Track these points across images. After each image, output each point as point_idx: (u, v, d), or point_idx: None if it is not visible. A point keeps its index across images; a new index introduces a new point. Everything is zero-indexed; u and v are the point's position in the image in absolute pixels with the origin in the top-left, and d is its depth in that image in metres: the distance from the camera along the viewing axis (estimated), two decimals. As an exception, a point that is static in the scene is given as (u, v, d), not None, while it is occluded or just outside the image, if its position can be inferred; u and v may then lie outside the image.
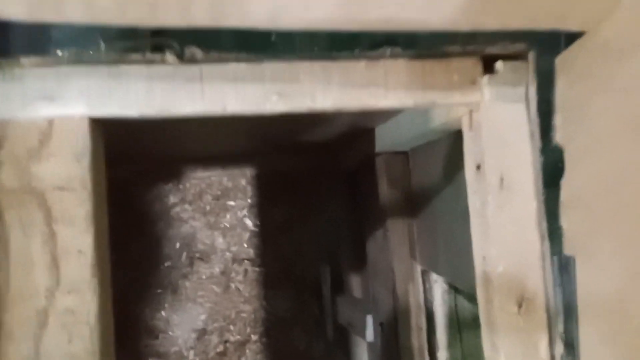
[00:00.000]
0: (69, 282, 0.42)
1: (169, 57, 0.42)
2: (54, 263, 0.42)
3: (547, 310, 0.45)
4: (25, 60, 0.42)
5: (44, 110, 0.42)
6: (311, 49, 0.42)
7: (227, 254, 1.42)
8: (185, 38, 0.42)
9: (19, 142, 0.42)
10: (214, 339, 1.39)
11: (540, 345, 0.45)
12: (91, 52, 0.40)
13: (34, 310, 0.42)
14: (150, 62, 0.42)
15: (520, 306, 0.45)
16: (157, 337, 1.39)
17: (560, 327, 0.44)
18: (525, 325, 0.45)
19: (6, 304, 0.42)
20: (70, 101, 0.42)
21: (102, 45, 0.40)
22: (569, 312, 0.43)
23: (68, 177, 0.42)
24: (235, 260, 1.42)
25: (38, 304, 0.42)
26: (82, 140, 0.42)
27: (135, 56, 0.42)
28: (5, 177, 0.42)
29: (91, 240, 0.42)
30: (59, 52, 0.43)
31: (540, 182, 0.45)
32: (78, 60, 0.42)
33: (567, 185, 0.43)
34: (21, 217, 0.42)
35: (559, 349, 0.44)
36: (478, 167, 0.47)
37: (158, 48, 0.41)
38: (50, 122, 0.42)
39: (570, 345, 0.43)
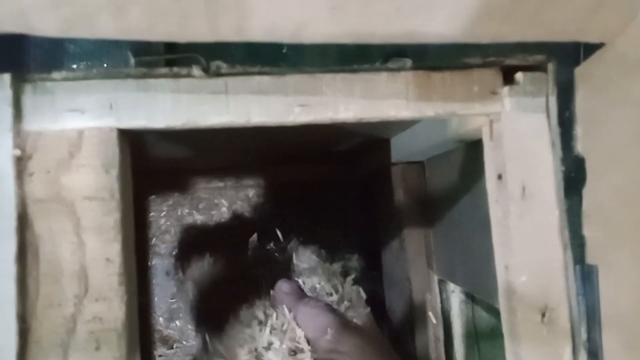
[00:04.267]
0: (97, 290, 0.43)
1: (195, 70, 0.43)
2: (83, 271, 0.43)
3: (571, 319, 0.45)
4: (56, 74, 0.44)
5: (74, 122, 0.43)
6: (322, 60, 0.43)
7: (240, 264, 1.42)
8: (196, 51, 0.43)
9: (49, 153, 0.43)
10: (229, 349, 1.39)
11: (563, 354, 0.45)
12: (120, 67, 0.42)
13: (62, 318, 0.43)
14: (177, 75, 0.44)
15: (543, 315, 0.45)
16: (171, 347, 1.39)
17: (583, 336, 0.44)
18: (549, 334, 0.45)
19: (35, 311, 0.43)
20: (100, 113, 0.43)
21: (131, 59, 0.41)
22: (592, 321, 0.43)
23: (97, 187, 0.43)
24: (249, 270, 1.42)
25: (66, 311, 0.43)
26: (111, 151, 0.43)
27: (163, 70, 0.43)
28: (35, 188, 0.43)
29: (119, 249, 0.43)
30: (75, 66, 0.45)
31: (562, 191, 0.45)
32: (107, 74, 0.43)
33: (589, 195, 0.44)
34: (51, 226, 0.43)
35: (583, 358, 0.44)
36: (499, 177, 0.47)
37: (184, 62, 0.43)
38: (80, 134, 0.43)
39: (594, 355, 0.43)
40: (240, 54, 0.49)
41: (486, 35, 0.38)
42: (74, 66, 0.57)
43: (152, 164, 1.10)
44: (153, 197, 1.37)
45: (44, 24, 0.35)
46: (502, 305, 0.48)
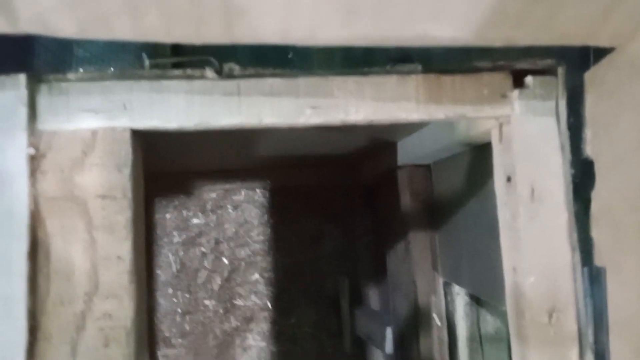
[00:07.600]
0: (107, 288, 0.43)
1: (208, 72, 0.44)
2: (94, 269, 0.43)
3: (578, 321, 0.45)
4: (71, 74, 0.44)
5: (88, 122, 0.44)
6: (327, 66, 0.43)
7: (245, 264, 1.43)
8: (203, 54, 0.43)
9: (63, 152, 0.44)
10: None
11: (571, 356, 0.45)
12: (135, 68, 0.42)
13: (73, 315, 0.43)
14: (190, 77, 0.44)
15: (551, 317, 0.45)
16: (174, 346, 1.40)
17: (590, 338, 0.44)
18: (556, 336, 0.45)
19: (46, 308, 0.43)
20: (114, 114, 0.44)
21: (146, 61, 0.42)
22: (600, 323, 0.43)
23: (110, 186, 0.44)
24: (254, 271, 1.42)
25: (77, 308, 0.43)
26: (124, 151, 0.44)
27: (176, 72, 0.44)
28: (49, 186, 0.44)
29: (130, 247, 0.44)
30: (81, 69, 0.45)
31: (571, 194, 0.45)
32: (122, 75, 0.44)
33: (598, 198, 0.44)
34: (63, 224, 0.43)
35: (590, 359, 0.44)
36: (508, 179, 0.47)
37: (198, 64, 0.43)
38: (94, 134, 0.44)
39: (601, 356, 0.43)
40: (247, 59, 0.50)
41: (498, 39, 0.38)
42: (81, 70, 0.57)
43: (157, 167, 1.10)
44: (159, 197, 1.38)
45: (62, 25, 0.36)
46: (509, 307, 0.48)
